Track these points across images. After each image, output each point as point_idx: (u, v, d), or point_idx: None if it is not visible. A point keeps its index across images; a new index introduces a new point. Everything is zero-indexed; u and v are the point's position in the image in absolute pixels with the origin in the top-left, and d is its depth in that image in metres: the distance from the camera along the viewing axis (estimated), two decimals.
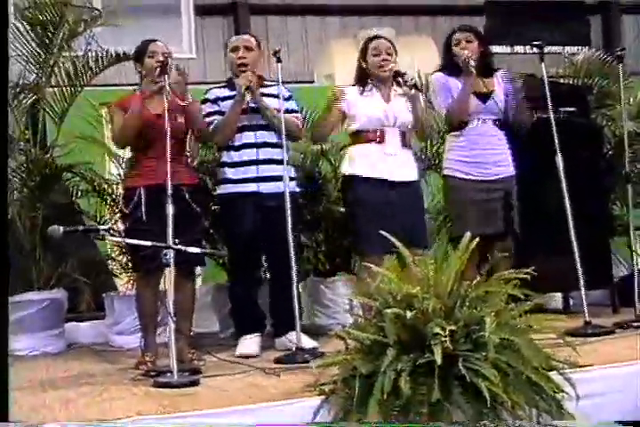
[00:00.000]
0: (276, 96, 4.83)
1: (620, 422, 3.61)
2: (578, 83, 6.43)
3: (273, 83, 4.92)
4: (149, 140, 4.55)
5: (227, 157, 4.90)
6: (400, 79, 4.87)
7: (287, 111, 4.86)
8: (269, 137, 4.84)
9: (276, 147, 4.79)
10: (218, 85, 5.05)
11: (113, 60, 5.81)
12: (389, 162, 4.86)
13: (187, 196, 4.57)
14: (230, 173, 4.86)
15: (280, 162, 4.70)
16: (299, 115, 5.16)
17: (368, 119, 4.89)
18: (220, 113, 4.86)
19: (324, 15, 12.01)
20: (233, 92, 4.86)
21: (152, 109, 4.57)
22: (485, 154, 5.10)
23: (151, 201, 4.47)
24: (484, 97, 5.10)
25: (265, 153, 4.82)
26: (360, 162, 4.89)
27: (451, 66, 5.16)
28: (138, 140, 4.62)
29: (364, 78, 5.01)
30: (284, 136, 4.67)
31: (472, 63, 4.95)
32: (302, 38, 11.81)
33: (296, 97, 5.16)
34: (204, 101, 4.94)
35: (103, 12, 5.94)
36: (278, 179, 4.70)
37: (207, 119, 4.86)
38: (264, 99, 4.86)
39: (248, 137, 4.84)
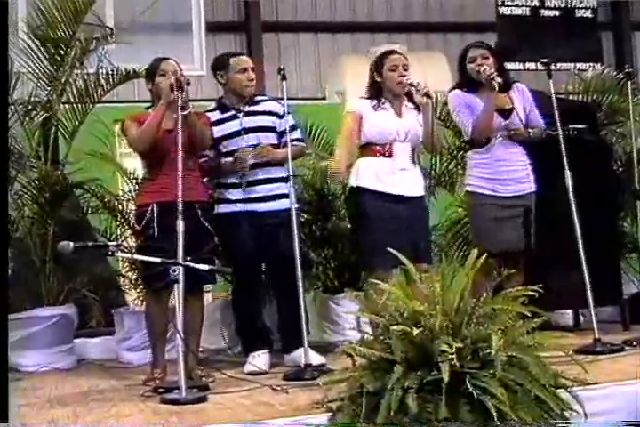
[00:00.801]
0: (274, 113, 4.88)
1: (626, 423, 3.61)
2: (587, 99, 6.43)
3: (264, 98, 4.95)
4: (161, 157, 4.58)
5: (225, 177, 4.90)
6: (413, 88, 4.86)
7: (293, 140, 4.85)
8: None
9: (278, 165, 4.83)
10: (209, 108, 5.02)
11: (124, 77, 5.86)
12: (397, 176, 4.86)
13: (199, 213, 4.58)
14: (230, 193, 4.87)
15: (280, 180, 4.78)
16: (299, 131, 5.13)
17: (378, 133, 4.89)
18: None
19: (336, 32, 12.06)
20: (225, 114, 4.89)
21: (163, 125, 4.58)
22: (507, 171, 5.08)
23: (163, 218, 4.47)
24: (506, 113, 5.09)
25: (266, 172, 4.83)
26: (368, 175, 4.88)
27: (467, 83, 5.15)
28: (150, 156, 4.65)
29: (377, 92, 4.99)
30: (290, 169, 4.67)
31: (498, 80, 4.91)
32: (314, 55, 11.85)
33: (308, 114, 5.17)
34: None
35: (115, 30, 5.99)
36: (278, 197, 4.75)
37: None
38: (259, 116, 4.90)
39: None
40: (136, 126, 4.61)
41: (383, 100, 4.97)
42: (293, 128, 4.98)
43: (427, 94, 4.83)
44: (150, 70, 4.73)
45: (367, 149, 4.94)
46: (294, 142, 4.85)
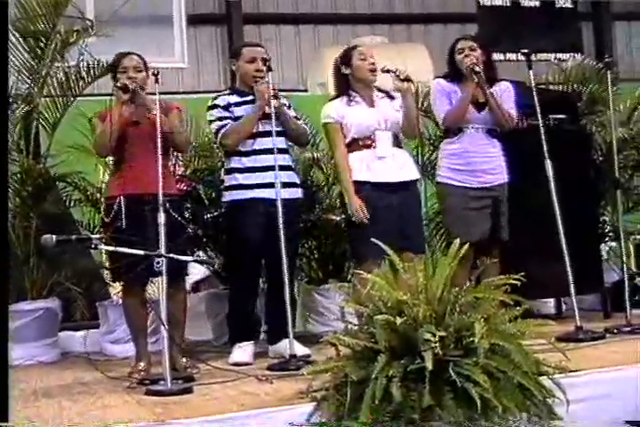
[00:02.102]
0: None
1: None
2: (568, 89, 6.47)
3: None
4: (127, 149, 4.58)
5: (239, 162, 4.90)
6: (393, 74, 4.87)
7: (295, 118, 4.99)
8: (282, 143, 4.88)
9: (286, 153, 4.88)
10: (225, 92, 5.09)
11: (105, 70, 5.82)
12: (383, 165, 4.88)
13: (167, 205, 4.56)
14: (245, 178, 4.87)
15: (288, 168, 4.82)
16: (302, 121, 5.22)
17: (358, 128, 4.91)
18: (232, 118, 4.89)
19: (317, 24, 12.07)
20: (243, 98, 4.92)
21: (129, 116, 4.58)
22: (478, 162, 5.13)
23: (131, 210, 4.48)
24: (480, 106, 5.13)
25: (282, 159, 4.82)
26: (357, 168, 4.90)
27: (453, 73, 5.22)
28: (117, 149, 4.64)
29: (347, 86, 5.02)
30: (287, 142, 4.83)
31: (477, 69, 4.99)
32: (296, 47, 11.87)
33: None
34: (213, 107, 4.95)
35: (95, 23, 5.97)
36: (290, 185, 4.78)
37: (218, 123, 4.89)
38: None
39: (264, 143, 4.85)
40: (100, 126, 4.63)
41: (353, 94, 5.00)
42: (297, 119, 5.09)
43: (407, 79, 4.85)
44: (112, 66, 4.73)
45: (352, 144, 4.96)
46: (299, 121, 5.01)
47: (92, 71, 5.83)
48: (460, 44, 5.20)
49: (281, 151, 4.81)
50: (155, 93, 4.39)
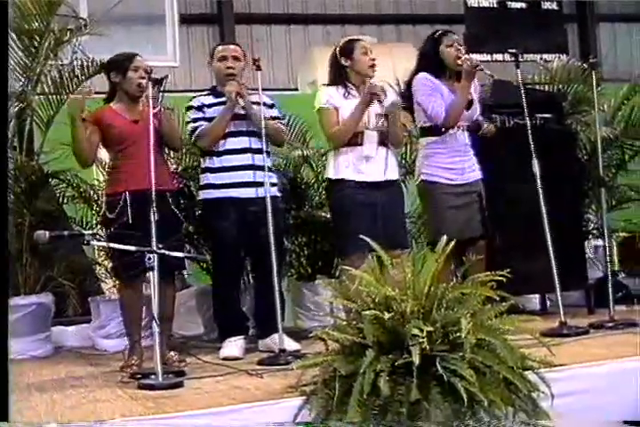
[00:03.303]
0: (259, 103, 4.88)
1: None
2: (553, 89, 6.52)
3: (254, 91, 4.98)
4: (127, 147, 4.65)
5: (210, 162, 4.96)
6: (379, 98, 4.86)
7: (272, 118, 4.98)
8: (257, 143, 4.89)
9: (260, 153, 4.86)
10: (202, 93, 5.12)
11: (98, 68, 5.86)
12: (369, 164, 4.92)
13: (170, 201, 4.65)
14: (215, 178, 4.92)
15: (263, 168, 4.78)
16: (282, 121, 5.25)
17: None
18: (206, 119, 4.93)
19: (308, 24, 12.10)
20: (218, 99, 4.94)
21: (128, 117, 4.67)
22: (461, 160, 5.15)
23: (135, 207, 4.54)
24: (468, 104, 5.13)
25: (259, 159, 4.85)
26: (343, 165, 4.93)
27: (436, 67, 5.15)
28: (116, 147, 4.71)
29: (342, 78, 5.01)
30: (264, 142, 4.77)
31: (487, 71, 4.98)
32: (286, 47, 11.90)
33: (280, 105, 5.23)
34: (189, 108, 5.01)
35: (89, 21, 5.99)
36: (262, 184, 4.76)
37: (192, 125, 4.93)
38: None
39: (237, 143, 4.90)
40: (90, 127, 4.68)
41: (350, 86, 5.00)
42: (275, 118, 5.07)
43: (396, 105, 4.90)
44: (121, 64, 4.75)
45: None
46: (274, 121, 4.99)
47: (85, 70, 5.85)
48: (448, 37, 5.15)
49: (255, 151, 4.87)
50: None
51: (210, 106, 4.97)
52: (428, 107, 5.09)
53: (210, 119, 4.92)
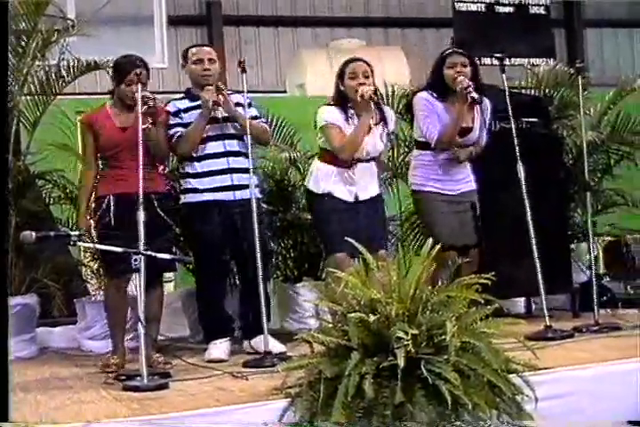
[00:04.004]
0: (240, 105, 4.88)
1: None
2: (540, 94, 6.55)
3: (231, 92, 4.97)
4: (115, 153, 4.69)
5: (192, 167, 4.93)
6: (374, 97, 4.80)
7: (252, 118, 4.93)
8: (236, 146, 4.89)
9: (241, 155, 4.87)
10: (177, 97, 5.08)
11: (85, 68, 5.86)
12: (355, 187, 4.93)
13: (155, 204, 4.65)
14: (197, 182, 4.91)
15: (245, 171, 4.78)
16: (262, 120, 5.22)
17: None
18: (182, 125, 4.89)
19: (297, 26, 12.12)
20: (193, 103, 4.91)
21: (118, 123, 4.71)
22: (450, 173, 5.17)
23: (119, 209, 4.58)
24: (464, 132, 5.13)
25: (235, 162, 4.87)
26: (326, 181, 4.93)
27: (439, 87, 5.12)
28: (104, 152, 4.75)
29: (342, 101, 4.94)
30: (249, 144, 4.75)
31: (474, 95, 4.89)
32: (274, 49, 11.91)
33: (268, 107, 5.23)
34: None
35: (77, 22, 5.99)
36: (244, 187, 4.78)
37: (169, 131, 4.89)
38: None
39: (215, 147, 4.89)
40: (86, 133, 4.75)
41: (352, 112, 4.92)
42: (256, 117, 5.04)
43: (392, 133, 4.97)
44: (119, 71, 4.74)
45: (329, 154, 4.97)
46: (256, 120, 4.96)
47: (72, 70, 5.85)
48: (451, 59, 5.08)
49: (235, 154, 4.88)
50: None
51: (186, 110, 4.93)
52: (423, 128, 5.13)
53: (186, 125, 4.88)
